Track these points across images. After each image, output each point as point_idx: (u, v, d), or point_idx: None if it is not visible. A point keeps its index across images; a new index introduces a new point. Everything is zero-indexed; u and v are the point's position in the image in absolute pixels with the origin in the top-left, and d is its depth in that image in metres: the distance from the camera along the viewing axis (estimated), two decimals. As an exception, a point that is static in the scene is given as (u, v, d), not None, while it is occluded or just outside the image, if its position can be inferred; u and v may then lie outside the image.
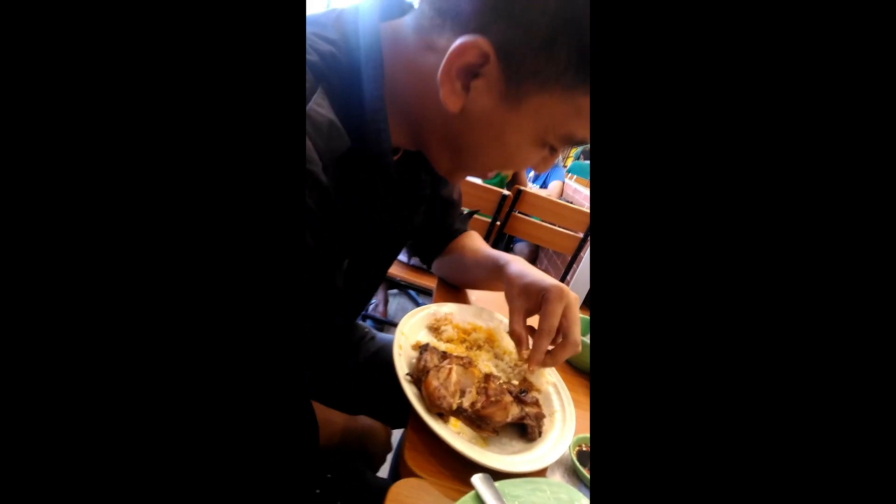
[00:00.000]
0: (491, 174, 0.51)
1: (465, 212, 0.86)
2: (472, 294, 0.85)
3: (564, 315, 0.56)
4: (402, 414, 0.76)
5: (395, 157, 0.56)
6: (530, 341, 0.58)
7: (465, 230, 0.84)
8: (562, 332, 0.56)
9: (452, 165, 0.50)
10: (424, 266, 1.82)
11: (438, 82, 0.40)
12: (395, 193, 0.58)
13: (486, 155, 0.46)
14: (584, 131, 0.42)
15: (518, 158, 0.46)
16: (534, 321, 0.58)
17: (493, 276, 0.68)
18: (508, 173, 1.93)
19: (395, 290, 2.59)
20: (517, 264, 0.65)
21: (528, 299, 0.59)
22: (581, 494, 0.41)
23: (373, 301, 2.37)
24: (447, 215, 0.79)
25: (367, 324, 0.95)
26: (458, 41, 0.38)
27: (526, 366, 0.62)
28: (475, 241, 0.81)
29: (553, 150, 0.46)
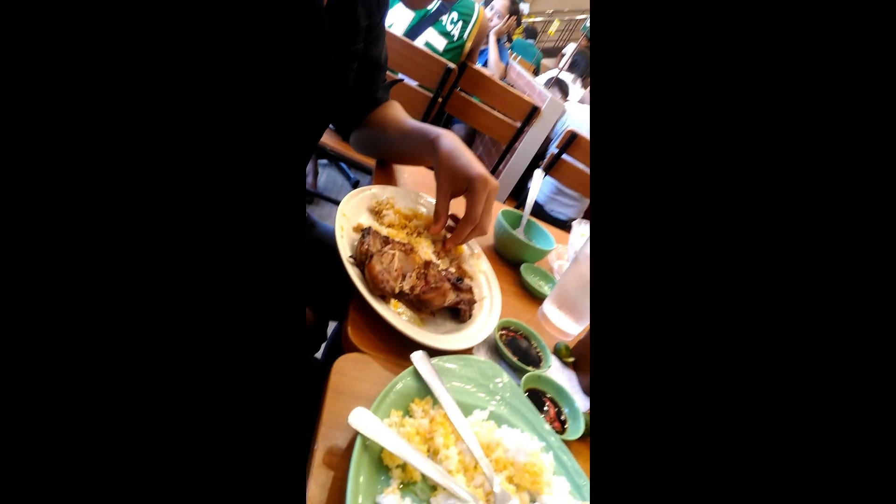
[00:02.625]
0: None
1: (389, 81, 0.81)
2: (403, 175, 0.84)
3: (484, 204, 0.60)
4: (336, 304, 0.79)
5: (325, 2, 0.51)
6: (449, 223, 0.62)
7: (387, 99, 0.80)
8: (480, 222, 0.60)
9: None
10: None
11: None
12: (328, 37, 0.53)
13: None
14: None
15: None
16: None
17: (423, 151, 0.67)
18: (465, 48, 1.77)
19: (325, 161, 2.45)
20: (447, 139, 0.64)
21: (454, 183, 0.61)
22: (501, 369, 0.48)
23: None
24: (372, 79, 0.74)
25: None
26: None
27: (457, 254, 0.65)
28: (398, 112, 0.77)
29: None
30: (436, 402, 0.41)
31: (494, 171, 1.94)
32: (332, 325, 0.90)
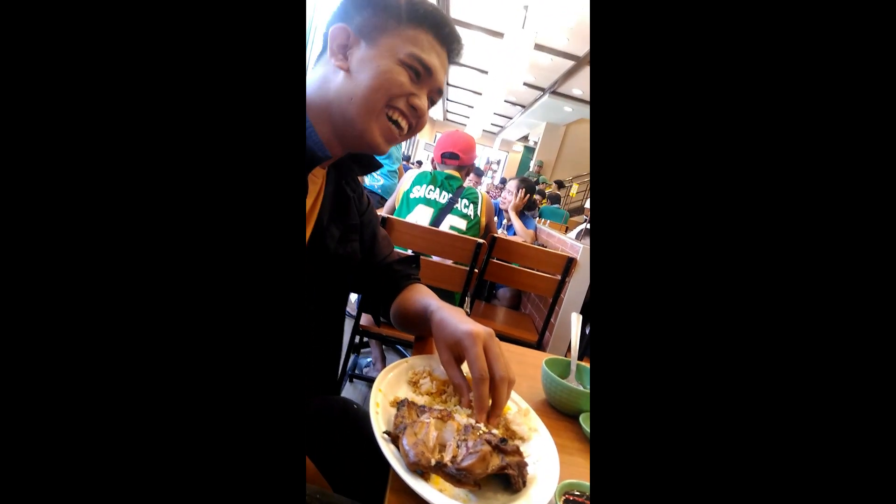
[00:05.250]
0: (383, 97, 0.63)
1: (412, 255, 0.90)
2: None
3: (486, 354, 0.57)
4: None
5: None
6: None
7: (416, 280, 0.86)
8: (490, 372, 0.57)
9: (365, 121, 0.64)
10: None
11: (331, 61, 0.65)
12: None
13: (371, 78, 0.62)
14: (426, 55, 0.64)
15: (392, 76, 0.63)
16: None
17: (427, 328, 0.70)
18: (482, 223, 1.98)
19: (386, 347, 2.53)
20: (440, 313, 0.67)
21: (452, 349, 0.61)
22: (569, 545, 0.40)
23: (369, 360, 2.30)
24: (374, 252, 0.84)
25: (361, 385, 0.94)
26: (331, 28, 0.65)
27: (502, 417, 0.61)
28: (412, 293, 0.81)
29: (417, 74, 0.64)
30: None
31: (546, 324, 1.91)
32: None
